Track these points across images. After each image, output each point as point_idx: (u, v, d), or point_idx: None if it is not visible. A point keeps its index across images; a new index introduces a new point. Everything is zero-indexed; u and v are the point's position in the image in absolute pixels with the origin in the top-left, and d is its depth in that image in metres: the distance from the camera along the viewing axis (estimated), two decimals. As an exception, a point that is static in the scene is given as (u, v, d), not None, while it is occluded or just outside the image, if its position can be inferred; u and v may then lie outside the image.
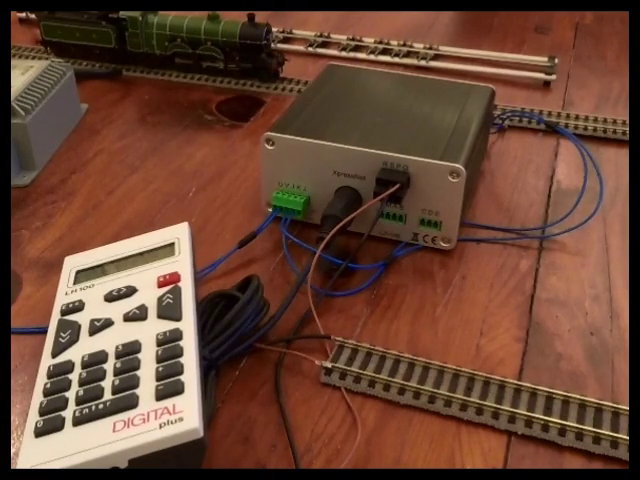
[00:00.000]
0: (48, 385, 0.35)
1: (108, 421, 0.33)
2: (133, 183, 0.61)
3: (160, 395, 0.33)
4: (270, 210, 0.54)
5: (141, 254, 0.44)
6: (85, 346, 0.38)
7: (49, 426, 0.33)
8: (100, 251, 0.45)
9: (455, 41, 0.87)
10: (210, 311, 0.43)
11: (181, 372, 0.35)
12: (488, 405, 0.41)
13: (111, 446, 0.32)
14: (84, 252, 0.46)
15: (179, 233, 0.45)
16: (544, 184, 0.61)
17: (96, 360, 0.36)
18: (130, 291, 0.41)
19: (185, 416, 0.32)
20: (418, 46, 0.84)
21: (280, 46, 0.85)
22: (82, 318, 0.40)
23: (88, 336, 0.38)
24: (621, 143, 0.67)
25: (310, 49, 0.84)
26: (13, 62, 0.67)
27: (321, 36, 0.87)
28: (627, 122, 0.69)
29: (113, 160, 0.64)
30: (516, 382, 0.42)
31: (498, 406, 0.41)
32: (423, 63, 0.81)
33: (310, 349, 0.45)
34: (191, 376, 0.34)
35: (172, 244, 0.44)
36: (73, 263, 0.45)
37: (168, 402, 0.33)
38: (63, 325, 0.39)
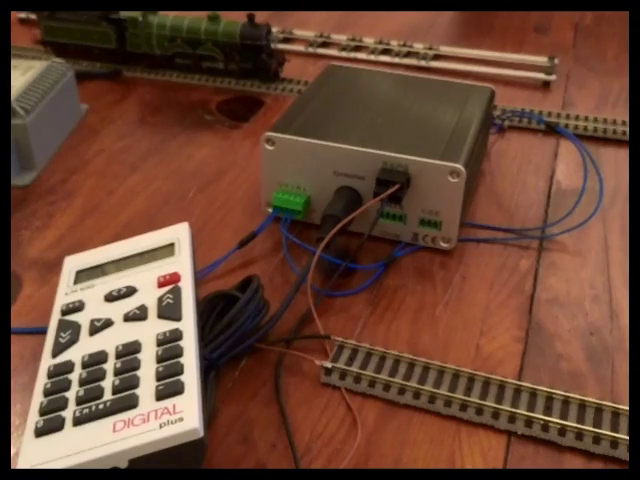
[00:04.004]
0: (48, 385, 0.35)
1: (108, 421, 0.33)
2: (133, 183, 0.61)
3: (160, 395, 0.33)
4: (270, 210, 0.54)
5: (141, 254, 0.44)
6: (85, 346, 0.38)
7: (49, 426, 0.33)
8: (100, 251, 0.45)
9: (455, 41, 0.87)
10: (210, 311, 0.44)
11: (181, 372, 0.35)
12: (488, 405, 0.41)
13: (111, 446, 0.32)
14: (84, 252, 0.46)
15: (179, 233, 0.45)
16: (544, 184, 0.61)
17: (96, 360, 0.36)
18: (130, 291, 0.41)
19: (185, 416, 0.32)
20: (418, 46, 0.84)
21: (280, 46, 0.85)
22: (82, 318, 0.40)
23: (88, 336, 0.38)
24: (621, 143, 0.67)
25: (310, 49, 0.84)
26: (13, 62, 0.67)
27: (321, 36, 0.87)
28: (627, 122, 0.69)
29: (113, 160, 0.64)
30: (516, 382, 0.42)
31: (498, 406, 0.41)
32: (423, 63, 0.81)
33: (310, 349, 0.45)
34: (191, 376, 0.34)
35: (172, 244, 0.44)
36: (73, 263, 0.45)
37: (168, 402, 0.33)
38: (63, 325, 0.39)
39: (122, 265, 0.43)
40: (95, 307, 0.40)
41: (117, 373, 0.35)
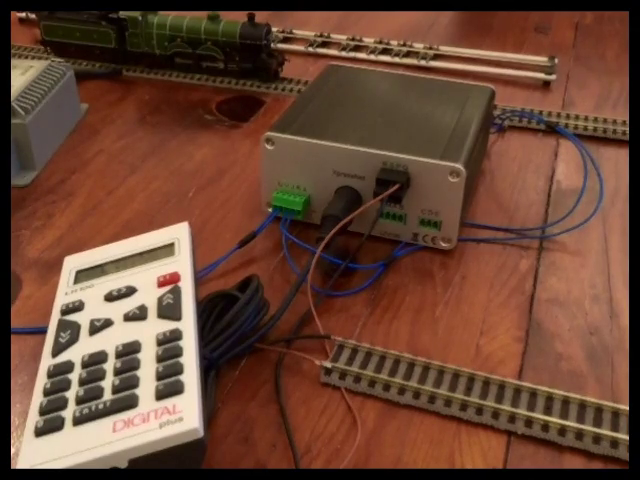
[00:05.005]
0: (48, 385, 0.35)
1: (108, 421, 0.33)
2: (133, 183, 0.61)
3: (160, 395, 0.33)
4: (270, 210, 0.54)
5: (141, 254, 0.44)
6: (85, 346, 0.38)
7: (49, 426, 0.33)
8: (100, 251, 0.45)
9: (455, 41, 0.87)
10: (210, 311, 0.43)
11: (181, 372, 0.35)
12: (488, 405, 0.41)
13: (111, 446, 0.32)
14: (84, 252, 0.46)
15: (179, 233, 0.45)
16: (544, 184, 0.61)
17: (96, 360, 0.36)
18: (130, 291, 0.41)
19: (185, 416, 0.32)
20: (418, 46, 0.84)
21: (280, 46, 0.85)
22: (82, 318, 0.40)
23: (88, 336, 0.38)
24: (621, 143, 0.67)
25: (310, 49, 0.84)
26: (13, 62, 0.67)
27: (321, 36, 0.87)
28: (627, 122, 0.69)
29: (113, 160, 0.64)
30: (516, 382, 0.42)
31: (498, 406, 0.41)
32: (423, 63, 0.81)
33: (310, 349, 0.45)
34: (191, 376, 0.34)
35: (172, 244, 0.44)
36: (73, 263, 0.45)
37: (168, 402, 0.33)
38: (63, 325, 0.39)
39: (122, 265, 0.43)
40: (95, 307, 0.40)
41: (117, 373, 0.35)
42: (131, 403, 0.33)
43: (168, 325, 0.38)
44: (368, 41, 0.85)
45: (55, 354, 0.37)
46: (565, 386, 0.42)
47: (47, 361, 0.37)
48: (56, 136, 0.66)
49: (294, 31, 0.88)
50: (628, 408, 0.40)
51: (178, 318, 0.38)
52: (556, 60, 0.81)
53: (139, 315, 0.39)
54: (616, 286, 0.50)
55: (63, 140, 0.67)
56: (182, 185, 0.61)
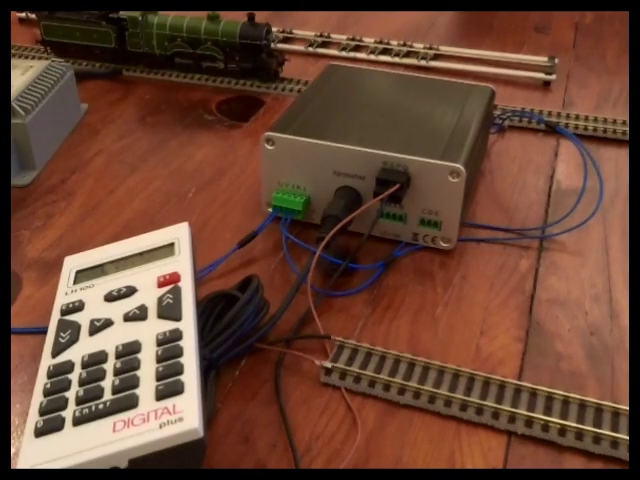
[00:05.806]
0: (48, 385, 0.35)
1: (108, 421, 0.33)
2: (133, 183, 0.61)
3: (160, 395, 0.33)
4: (270, 210, 0.54)
5: (141, 254, 0.44)
6: (85, 346, 0.38)
7: (49, 426, 0.33)
8: (100, 251, 0.45)
9: (455, 41, 0.87)
10: (210, 311, 0.43)
11: (181, 372, 0.35)
12: (488, 405, 0.41)
13: (111, 446, 0.32)
14: (84, 252, 0.46)
15: (179, 233, 0.45)
16: (544, 184, 0.61)
17: (96, 360, 0.36)
18: (130, 291, 0.41)
19: (185, 416, 0.32)
20: (418, 46, 0.84)
21: (280, 46, 0.85)
22: (82, 318, 0.40)
23: (88, 336, 0.38)
24: (621, 143, 0.67)
25: (310, 49, 0.84)
26: (13, 62, 0.67)
27: (321, 36, 0.87)
28: (627, 122, 0.69)
29: (113, 160, 0.64)
30: (516, 382, 0.42)
31: (498, 406, 0.41)
32: (423, 63, 0.81)
33: (310, 349, 0.45)
34: (191, 376, 0.34)
35: (172, 244, 0.44)
36: (73, 263, 0.45)
37: (168, 402, 0.33)
38: (63, 325, 0.39)
39: (122, 265, 0.43)
40: (95, 307, 0.40)
41: (117, 373, 0.35)
42: (131, 403, 0.33)
43: (168, 325, 0.38)
44: (368, 41, 0.85)
45: (55, 354, 0.37)
46: (565, 386, 0.42)
47: (47, 361, 0.37)
48: (56, 136, 0.66)
49: (294, 31, 0.88)
50: (628, 408, 0.40)
51: (178, 318, 0.38)
52: (556, 60, 0.81)
53: (139, 315, 0.39)
54: (616, 286, 0.50)
55: (63, 140, 0.67)
56: (182, 185, 0.61)
